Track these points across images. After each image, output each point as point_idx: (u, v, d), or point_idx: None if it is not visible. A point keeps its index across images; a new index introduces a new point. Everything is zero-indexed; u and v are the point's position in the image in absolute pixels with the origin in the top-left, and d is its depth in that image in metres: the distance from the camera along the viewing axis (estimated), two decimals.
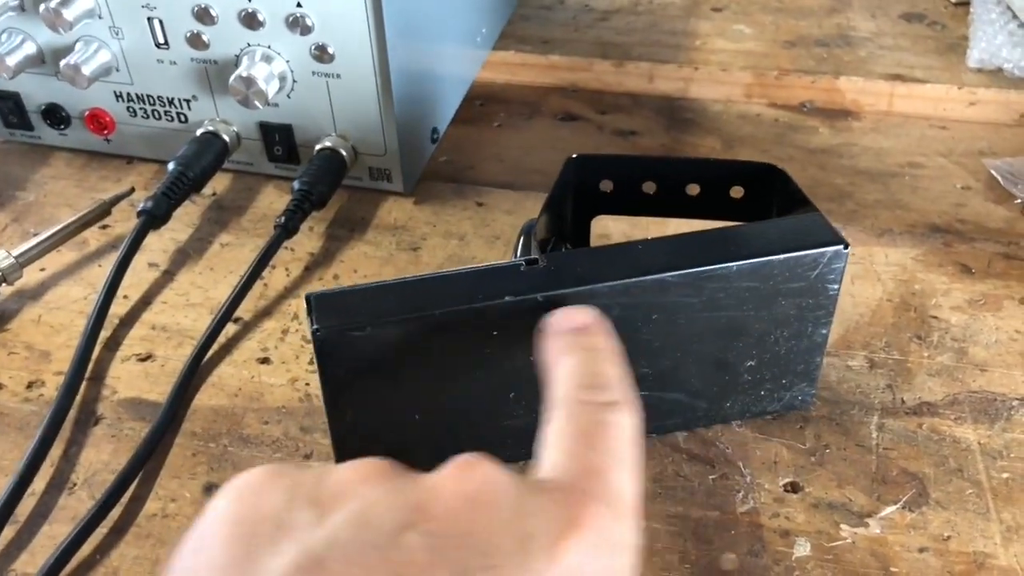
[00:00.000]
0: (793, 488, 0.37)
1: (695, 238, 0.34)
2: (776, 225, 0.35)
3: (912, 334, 0.43)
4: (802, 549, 0.35)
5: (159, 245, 0.49)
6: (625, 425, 0.26)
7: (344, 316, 0.31)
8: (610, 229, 0.47)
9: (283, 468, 0.22)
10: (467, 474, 0.22)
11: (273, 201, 0.53)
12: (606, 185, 0.39)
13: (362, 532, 0.20)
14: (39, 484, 0.37)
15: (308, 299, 0.31)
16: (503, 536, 0.20)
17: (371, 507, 0.20)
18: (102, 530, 0.36)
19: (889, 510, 0.36)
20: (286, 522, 0.20)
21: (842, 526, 0.35)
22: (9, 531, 0.36)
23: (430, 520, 0.20)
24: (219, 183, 0.53)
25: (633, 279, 0.31)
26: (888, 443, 0.38)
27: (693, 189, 0.39)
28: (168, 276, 0.48)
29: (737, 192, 0.39)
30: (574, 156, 0.39)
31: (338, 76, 0.48)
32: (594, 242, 0.43)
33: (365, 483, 0.21)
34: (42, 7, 0.48)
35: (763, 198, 0.39)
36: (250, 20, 0.47)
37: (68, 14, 0.48)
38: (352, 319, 0.31)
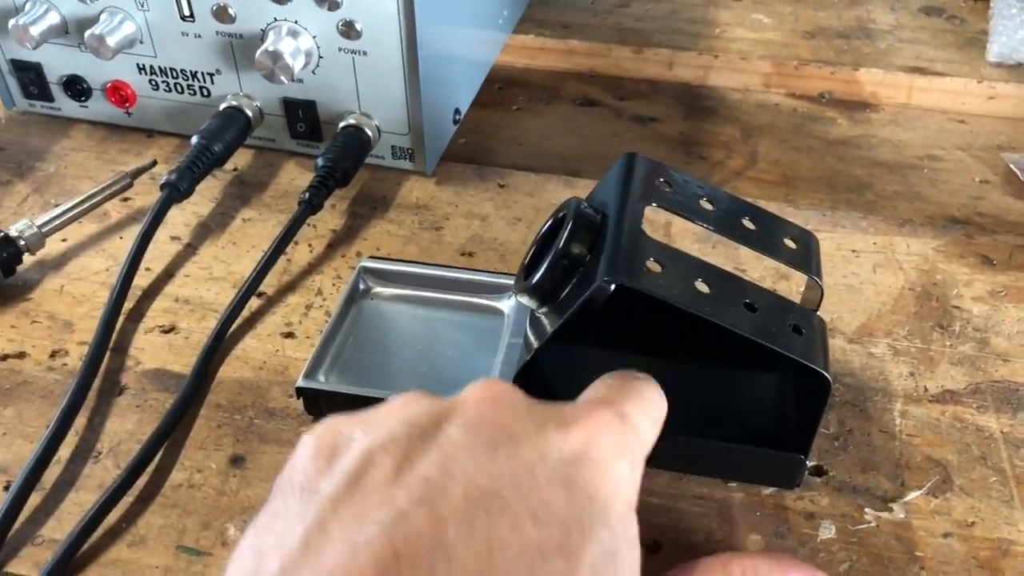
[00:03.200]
0: (818, 472, 0.37)
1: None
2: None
3: (934, 323, 0.44)
4: (827, 532, 0.35)
5: (181, 219, 0.49)
6: (649, 388, 0.30)
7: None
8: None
9: (345, 413, 0.28)
10: (488, 386, 0.27)
11: (295, 178, 0.53)
12: (662, 185, 0.39)
13: (411, 429, 0.25)
14: (64, 452, 0.37)
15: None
16: (522, 421, 0.26)
17: (415, 414, 0.26)
18: (128, 499, 0.36)
19: (913, 495, 0.36)
20: (352, 437, 0.26)
21: (866, 510, 0.36)
22: (36, 497, 0.36)
23: (462, 415, 0.26)
24: (241, 159, 0.53)
25: None
26: (911, 429, 0.39)
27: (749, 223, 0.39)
28: (190, 249, 0.48)
29: (791, 244, 0.39)
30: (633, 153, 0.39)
31: (364, 53, 0.48)
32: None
33: (406, 403, 0.27)
34: None
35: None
36: None
37: None
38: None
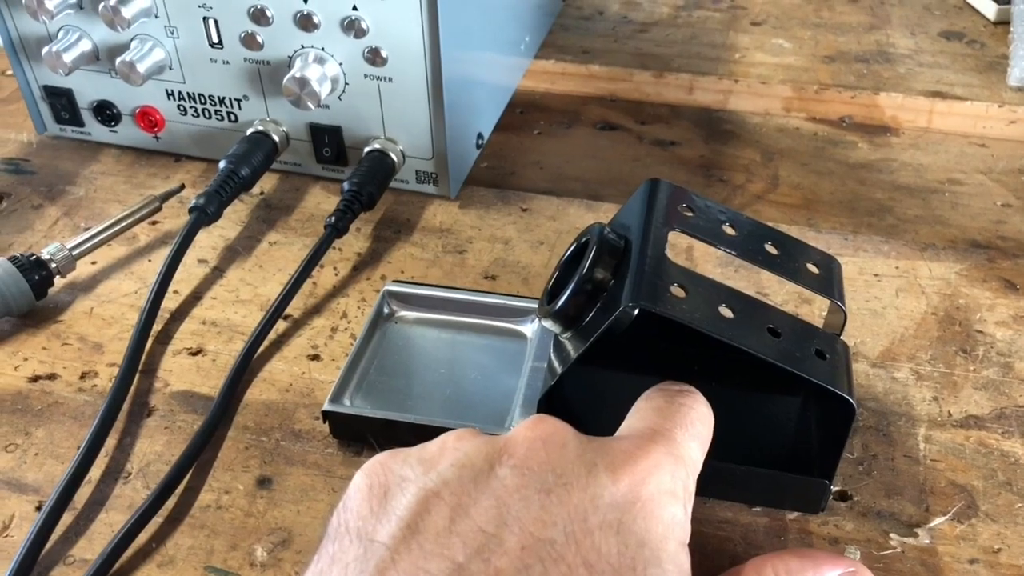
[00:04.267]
0: (842, 496, 0.37)
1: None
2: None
3: (957, 348, 0.44)
4: (852, 557, 0.35)
5: (208, 242, 0.50)
6: (695, 405, 0.31)
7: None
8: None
9: (395, 450, 0.28)
10: (538, 424, 0.28)
11: (320, 202, 0.53)
12: (685, 210, 0.39)
13: (463, 471, 0.26)
14: (95, 473, 0.38)
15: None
16: (573, 463, 0.26)
17: (466, 455, 0.26)
18: (158, 519, 0.36)
19: (938, 521, 0.36)
20: (404, 476, 0.26)
21: (891, 535, 0.36)
22: (67, 517, 0.36)
23: (514, 457, 0.26)
24: (267, 183, 0.54)
25: None
26: (935, 455, 0.39)
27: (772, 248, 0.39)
28: (218, 272, 0.48)
29: (813, 268, 0.39)
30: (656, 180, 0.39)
31: (390, 80, 0.49)
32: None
33: (458, 441, 0.27)
34: (101, 5, 0.49)
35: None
36: (305, 22, 0.48)
37: (126, 12, 0.49)
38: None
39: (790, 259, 0.37)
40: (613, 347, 0.34)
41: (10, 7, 0.52)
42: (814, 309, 0.45)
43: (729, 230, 0.37)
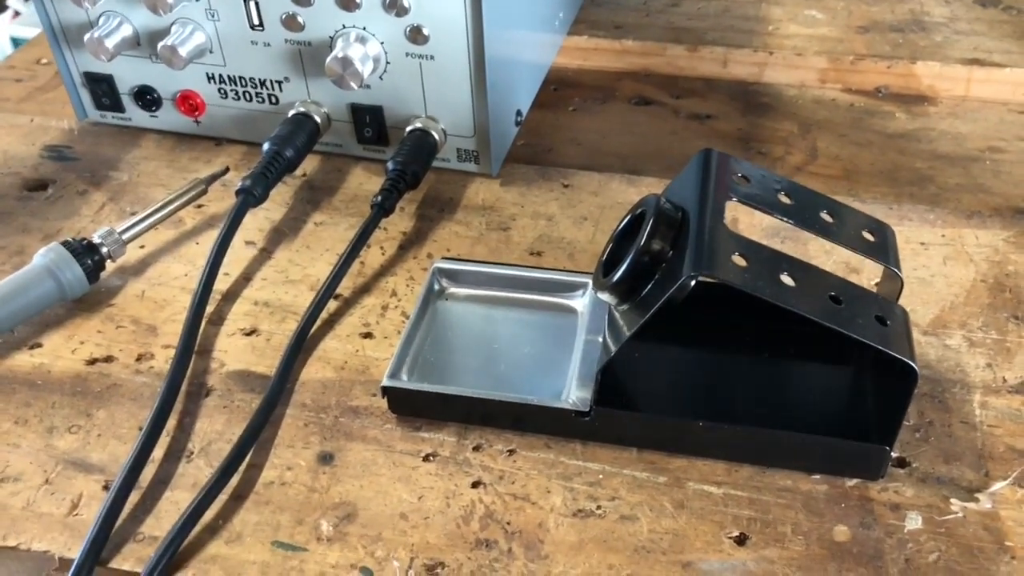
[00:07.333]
0: (900, 463, 0.37)
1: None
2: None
3: (1009, 314, 0.43)
4: (913, 523, 0.35)
5: (254, 224, 0.50)
6: None
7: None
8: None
9: None
10: None
11: (363, 182, 0.53)
12: (740, 180, 0.39)
13: None
14: (158, 452, 0.38)
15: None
16: None
17: None
18: (223, 497, 0.37)
19: (999, 486, 0.36)
20: None
21: (952, 501, 0.36)
22: (134, 496, 0.37)
23: None
24: (309, 164, 0.54)
25: None
26: (992, 420, 0.39)
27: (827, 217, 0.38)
28: (266, 254, 0.49)
29: (868, 236, 0.38)
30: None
31: (431, 58, 0.49)
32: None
33: None
34: None
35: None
36: (347, 2, 0.48)
37: None
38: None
39: (845, 226, 0.37)
40: (671, 319, 0.34)
41: None
42: (863, 279, 0.45)
43: (785, 199, 0.37)
